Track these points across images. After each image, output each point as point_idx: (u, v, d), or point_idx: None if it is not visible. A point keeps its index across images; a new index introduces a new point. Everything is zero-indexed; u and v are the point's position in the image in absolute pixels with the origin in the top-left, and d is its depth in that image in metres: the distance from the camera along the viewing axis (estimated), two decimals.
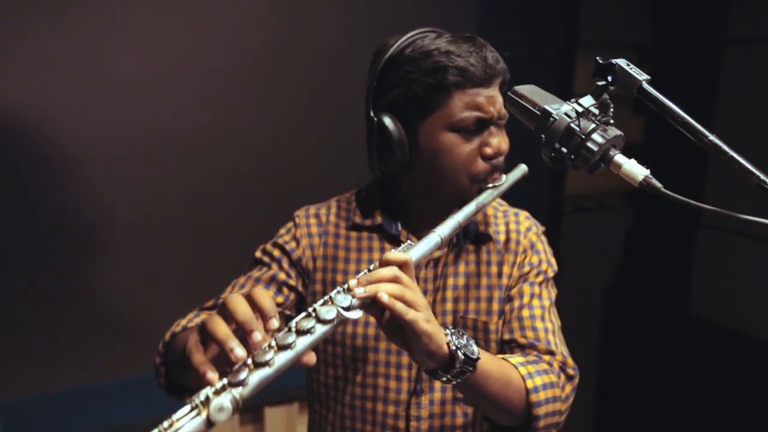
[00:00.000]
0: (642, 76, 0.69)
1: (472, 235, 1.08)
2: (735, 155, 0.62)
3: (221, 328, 0.65)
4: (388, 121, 0.99)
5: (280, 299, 1.06)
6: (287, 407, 1.98)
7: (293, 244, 1.09)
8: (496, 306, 1.06)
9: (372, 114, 1.01)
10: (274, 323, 0.66)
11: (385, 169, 1.04)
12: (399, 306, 0.73)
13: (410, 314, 0.73)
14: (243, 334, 0.65)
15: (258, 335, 0.64)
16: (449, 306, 1.06)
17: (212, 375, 0.63)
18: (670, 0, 2.53)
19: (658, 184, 0.68)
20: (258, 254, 1.11)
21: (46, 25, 1.47)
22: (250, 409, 1.95)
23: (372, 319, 1.05)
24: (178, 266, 1.72)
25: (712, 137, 0.63)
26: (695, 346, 2.54)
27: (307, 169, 1.87)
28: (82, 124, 1.57)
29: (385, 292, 0.73)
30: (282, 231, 1.12)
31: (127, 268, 1.69)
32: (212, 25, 1.67)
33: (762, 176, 0.60)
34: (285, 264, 1.07)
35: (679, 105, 0.67)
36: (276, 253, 1.09)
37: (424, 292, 1.06)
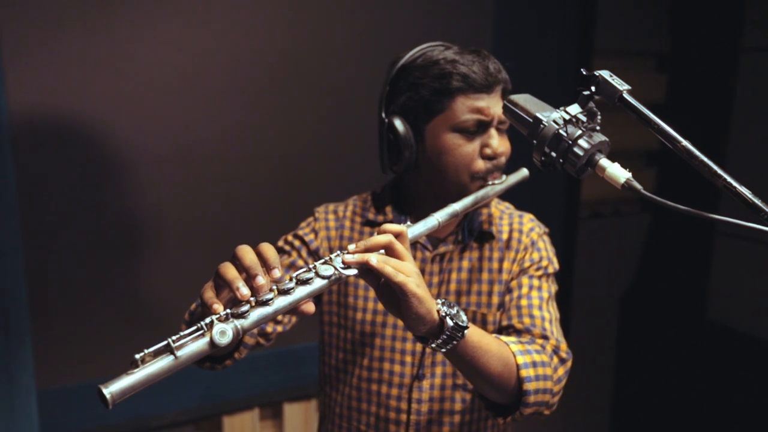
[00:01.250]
0: (623, 87, 0.74)
1: (476, 233, 1.15)
2: (705, 159, 0.67)
3: (231, 272, 0.75)
4: (398, 122, 1.08)
5: None
6: (306, 403, 2.04)
7: (312, 236, 1.19)
8: (495, 299, 1.13)
9: (384, 116, 1.11)
10: (276, 273, 0.75)
11: (396, 169, 1.13)
12: (388, 269, 0.78)
13: (399, 277, 0.78)
14: (249, 279, 0.74)
15: (261, 279, 0.73)
16: (452, 299, 1.13)
17: (218, 306, 0.72)
18: (687, 8, 2.54)
19: (639, 186, 0.73)
20: (280, 243, 1.20)
21: (93, 36, 1.60)
22: (269, 404, 2.01)
23: (380, 307, 1.13)
24: (214, 263, 1.81)
25: (684, 143, 0.68)
26: (712, 351, 2.52)
27: (335, 177, 1.95)
28: (125, 129, 1.68)
29: (374, 257, 0.79)
30: (303, 224, 1.22)
31: (168, 266, 1.79)
32: (242, 40, 1.78)
33: (728, 179, 0.65)
34: (304, 253, 1.17)
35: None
36: (296, 243, 1.18)
37: (429, 285, 1.13)
